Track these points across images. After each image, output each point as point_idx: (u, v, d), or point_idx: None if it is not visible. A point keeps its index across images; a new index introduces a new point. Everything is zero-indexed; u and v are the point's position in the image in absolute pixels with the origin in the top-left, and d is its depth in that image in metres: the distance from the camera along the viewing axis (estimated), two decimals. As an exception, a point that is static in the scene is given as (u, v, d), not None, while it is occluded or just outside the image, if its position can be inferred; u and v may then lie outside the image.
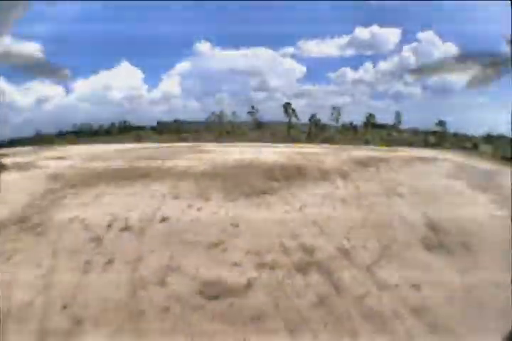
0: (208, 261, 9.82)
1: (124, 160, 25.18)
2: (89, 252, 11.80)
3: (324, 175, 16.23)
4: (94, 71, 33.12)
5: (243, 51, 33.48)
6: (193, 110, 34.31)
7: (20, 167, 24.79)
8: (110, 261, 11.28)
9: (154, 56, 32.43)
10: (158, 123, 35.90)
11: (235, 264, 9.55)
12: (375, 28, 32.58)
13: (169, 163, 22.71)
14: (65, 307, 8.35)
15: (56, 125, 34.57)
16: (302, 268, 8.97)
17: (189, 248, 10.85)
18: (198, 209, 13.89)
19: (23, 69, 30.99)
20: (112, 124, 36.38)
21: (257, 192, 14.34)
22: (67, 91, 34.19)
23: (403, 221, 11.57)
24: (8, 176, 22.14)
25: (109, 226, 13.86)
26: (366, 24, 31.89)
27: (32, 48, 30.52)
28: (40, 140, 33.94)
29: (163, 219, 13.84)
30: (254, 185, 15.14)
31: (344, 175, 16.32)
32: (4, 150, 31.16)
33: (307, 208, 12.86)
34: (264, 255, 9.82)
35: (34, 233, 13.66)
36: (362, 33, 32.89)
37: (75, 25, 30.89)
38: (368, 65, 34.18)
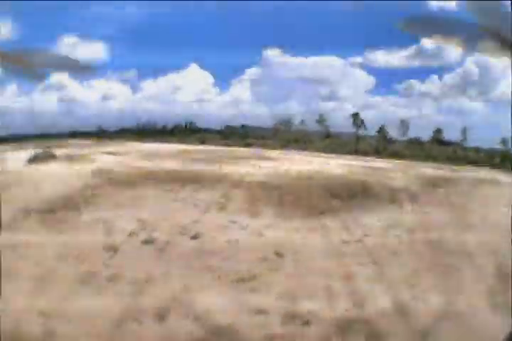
0: (226, 301, 9.06)
1: (180, 161, 26.98)
2: (95, 262, 11.92)
3: (391, 195, 17.35)
4: (163, 72, 38.67)
5: (312, 59, 38.17)
6: (262, 116, 38.98)
7: (70, 159, 27.90)
8: (114, 277, 11.05)
9: (224, 60, 36.51)
10: (225, 127, 40.56)
11: (260, 312, 8.80)
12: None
13: (226, 169, 23.94)
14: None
15: (120, 122, 40.24)
16: (344, 328, 8.32)
17: (211, 278, 10.37)
18: (241, 228, 13.88)
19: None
20: (178, 125, 41.56)
21: (315, 212, 14.95)
22: (134, 90, 40.21)
23: (472, 265, 11.45)
24: (54, 167, 25.35)
25: (132, 234, 14.07)
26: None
27: (98, 48, 37.07)
28: (102, 135, 39.30)
29: (196, 236, 13.41)
30: (312, 203, 15.78)
31: (412, 197, 17.33)
32: (62, 142, 36.29)
33: (368, 238, 13.09)
34: (301, 302, 9.17)
35: (50, 229, 14.80)
36: (427, 43, 37.29)
37: (144, 26, 37.20)
38: (434, 77, 39.27)
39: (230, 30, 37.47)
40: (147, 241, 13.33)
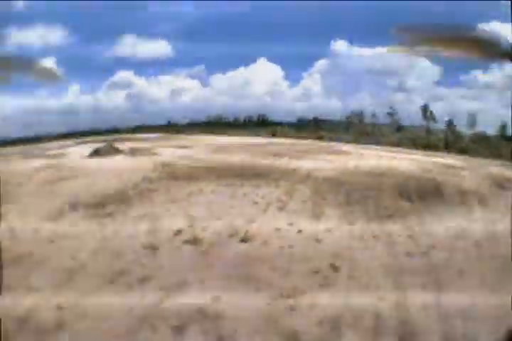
0: (258, 323, 8.48)
1: (248, 154, 28.12)
2: (131, 259, 12.13)
3: (462, 197, 17.81)
4: (232, 66, 41.43)
5: (379, 50, 40.39)
6: (333, 109, 41.81)
7: (134, 152, 30.63)
8: (144, 280, 10.95)
9: (292, 53, 38.88)
10: (298, 120, 42.79)
11: (294, 337, 7.94)
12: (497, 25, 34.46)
13: (295, 163, 24.69)
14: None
15: (190, 116, 43.77)
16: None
17: (248, 291, 9.81)
18: (299, 231, 13.59)
19: (155, 64, 41.42)
20: (249, 118, 44.33)
21: (382, 214, 15.24)
22: (204, 85, 43.24)
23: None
24: (114, 161, 27.58)
25: (177, 233, 14.04)
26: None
27: (160, 45, 40.49)
28: (172, 128, 43.07)
29: (246, 239, 12.88)
30: (380, 204, 16.32)
31: (482, 201, 17.65)
32: (130, 136, 40.43)
33: (434, 252, 12.68)
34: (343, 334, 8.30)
35: (94, 223, 15.42)
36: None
37: (206, 21, 39.70)
38: (497, 67, 39.62)
39: (296, 22, 39.20)
40: (191, 242, 13.09)
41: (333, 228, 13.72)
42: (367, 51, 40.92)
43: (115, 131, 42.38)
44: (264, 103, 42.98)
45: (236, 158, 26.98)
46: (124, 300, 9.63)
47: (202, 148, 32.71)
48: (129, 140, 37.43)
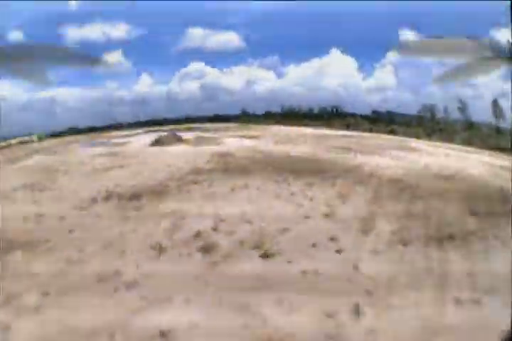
0: None
1: (314, 147, 26.12)
2: (127, 263, 9.89)
3: None
4: (305, 58, 41.74)
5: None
6: (406, 102, 41.66)
7: (198, 142, 29.70)
8: (127, 287, 9.00)
9: (362, 44, 39.91)
10: (372, 112, 42.19)
11: None
12: None
13: (360, 159, 22.23)
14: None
15: (265, 106, 43.85)
16: None
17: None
18: (337, 251, 10.48)
19: (227, 56, 44.03)
20: (323, 109, 43.33)
21: (443, 234, 11.68)
22: (278, 75, 43.64)
23: None
24: (174, 150, 26.57)
25: (196, 236, 11.68)
26: None
27: (230, 37, 41.67)
28: (246, 119, 42.68)
29: (268, 254, 10.02)
30: (443, 220, 12.90)
31: None
32: (202, 125, 40.82)
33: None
34: None
35: (118, 216, 13.21)
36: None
37: (276, 11, 39.36)
38: None
39: (363, 10, 38.87)
40: (205, 249, 10.71)
41: (381, 250, 10.46)
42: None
43: (189, 120, 42.62)
44: (339, 95, 42.63)
45: (299, 151, 24.85)
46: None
47: (269, 138, 31.01)
48: (199, 129, 37.30)
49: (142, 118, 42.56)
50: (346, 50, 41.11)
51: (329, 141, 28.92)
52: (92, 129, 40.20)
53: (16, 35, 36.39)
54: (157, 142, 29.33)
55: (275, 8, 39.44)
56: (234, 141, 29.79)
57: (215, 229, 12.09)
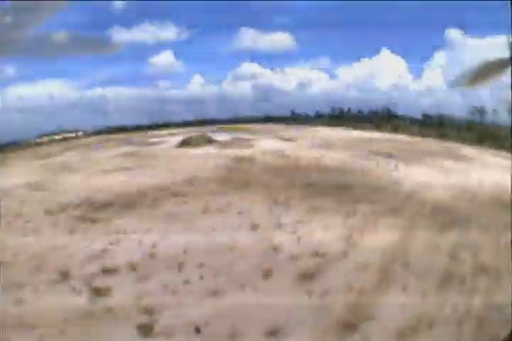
0: None
1: (353, 152, 22.75)
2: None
3: None
4: (357, 58, 41.91)
5: (492, 40, 35.98)
6: (456, 104, 39.51)
7: (228, 143, 27.87)
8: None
9: (410, 44, 41.99)
10: (422, 115, 40.00)
11: None
12: None
13: (400, 171, 18.29)
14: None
15: (317, 107, 42.03)
16: None
17: None
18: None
19: (279, 56, 43.19)
20: (374, 112, 40.80)
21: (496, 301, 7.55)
22: (331, 76, 43.10)
23: None
24: (197, 152, 24.86)
25: (182, 265, 9.20)
26: None
27: (281, 38, 40.96)
28: (294, 120, 40.95)
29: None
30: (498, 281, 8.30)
31: None
32: (244, 126, 38.93)
33: None
34: None
35: (96, 224, 12.33)
36: None
37: (326, 15, 40.87)
38: None
39: (409, 11, 39.82)
40: (140, 280, 8.61)
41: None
42: (481, 41, 38.39)
43: (239, 120, 41.65)
44: (390, 96, 41.51)
45: (332, 157, 21.67)
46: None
47: (306, 141, 27.99)
48: (242, 130, 35.55)
49: (193, 117, 42.26)
50: (395, 49, 40.61)
51: (372, 146, 25.36)
52: (139, 128, 40.26)
53: (61, 35, 37.22)
54: (185, 143, 27.92)
55: (323, 6, 40.35)
56: (267, 144, 27.32)
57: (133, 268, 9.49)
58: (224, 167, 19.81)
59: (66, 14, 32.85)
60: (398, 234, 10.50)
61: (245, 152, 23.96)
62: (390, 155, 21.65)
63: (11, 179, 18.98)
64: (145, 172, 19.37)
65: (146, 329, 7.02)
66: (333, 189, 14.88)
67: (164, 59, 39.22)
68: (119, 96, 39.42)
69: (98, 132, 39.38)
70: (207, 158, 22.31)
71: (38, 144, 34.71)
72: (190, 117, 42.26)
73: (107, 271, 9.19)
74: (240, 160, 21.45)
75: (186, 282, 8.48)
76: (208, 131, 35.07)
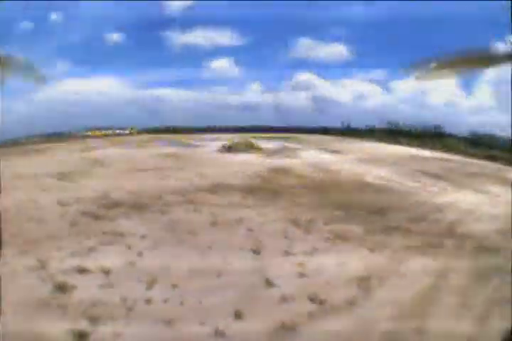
0: None
1: (399, 171, 20.70)
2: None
3: None
4: (408, 72, 38.80)
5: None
6: (506, 124, 31.43)
7: (272, 152, 26.87)
8: None
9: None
10: (470, 134, 37.32)
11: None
12: None
13: (445, 196, 15.79)
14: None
15: (371, 121, 40.50)
16: None
17: None
18: None
19: (335, 67, 40.05)
20: (425, 128, 38.99)
21: None
22: (385, 90, 40.99)
23: None
24: (234, 158, 24.07)
25: (155, 282, 8.07)
26: None
27: (337, 49, 39.03)
28: (347, 133, 39.76)
29: None
30: None
31: None
32: (294, 135, 38.12)
33: None
34: None
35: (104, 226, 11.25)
36: None
37: (380, 26, 36.63)
38: None
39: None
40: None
41: None
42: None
43: (293, 130, 41.09)
44: (441, 113, 39.17)
45: (376, 174, 19.64)
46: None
47: (354, 155, 26.19)
48: (292, 139, 34.94)
49: (248, 124, 41.83)
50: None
51: (420, 164, 23.34)
52: (191, 130, 40.73)
53: (115, 37, 37.86)
54: (227, 148, 27.14)
55: (379, 18, 36.11)
56: (312, 155, 25.82)
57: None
58: (256, 176, 18.46)
59: (121, 14, 33.03)
60: (426, 281, 8.16)
61: (286, 162, 22.63)
62: (436, 176, 19.56)
63: (44, 168, 19.24)
64: (173, 174, 18.61)
65: (80, 336, 6.42)
66: (367, 212, 12.83)
67: (221, 64, 38.93)
68: (174, 98, 39.72)
69: (149, 131, 40.15)
70: (243, 165, 21.20)
71: (85, 137, 35.83)
72: (244, 123, 41.67)
73: (81, 270, 8.53)
74: (276, 170, 20.05)
75: (147, 301, 7.24)
76: (257, 137, 34.23)
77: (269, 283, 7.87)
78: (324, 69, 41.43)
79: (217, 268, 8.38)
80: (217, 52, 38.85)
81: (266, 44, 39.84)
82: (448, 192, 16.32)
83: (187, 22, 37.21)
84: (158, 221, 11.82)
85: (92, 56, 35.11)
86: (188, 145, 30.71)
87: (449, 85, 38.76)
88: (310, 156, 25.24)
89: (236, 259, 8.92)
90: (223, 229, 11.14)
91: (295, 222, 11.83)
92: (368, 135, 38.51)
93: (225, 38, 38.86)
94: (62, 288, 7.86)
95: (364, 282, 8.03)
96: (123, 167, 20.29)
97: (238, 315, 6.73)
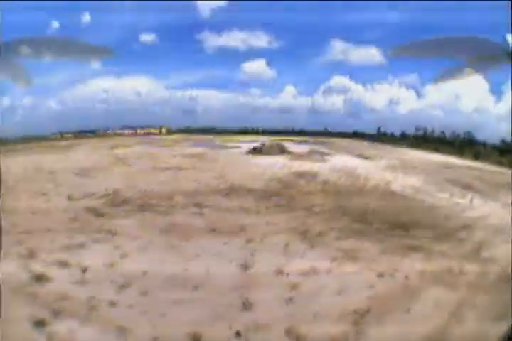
0: None
1: (429, 179, 19.01)
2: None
3: None
4: (442, 77, 37.11)
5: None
6: None
7: (298, 155, 25.94)
8: None
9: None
10: (501, 142, 35.08)
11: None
12: None
13: (474, 209, 13.99)
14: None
15: (403, 126, 39.83)
16: None
17: None
18: None
19: (369, 71, 40.02)
20: (456, 135, 37.81)
21: None
22: (418, 95, 40.20)
23: None
24: (261, 160, 23.48)
25: (125, 288, 7.57)
26: None
27: (372, 52, 38.08)
28: (379, 138, 38.68)
29: None
30: None
31: None
32: (326, 139, 37.03)
33: None
34: None
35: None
36: None
37: (414, 29, 34.60)
38: None
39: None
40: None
41: None
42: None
43: (327, 134, 40.31)
44: (473, 120, 38.08)
45: (405, 183, 17.97)
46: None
47: (384, 161, 24.67)
48: (325, 144, 34.06)
49: (282, 127, 41.43)
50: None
51: (450, 173, 21.34)
52: (225, 131, 40.78)
53: (149, 38, 38.11)
54: (256, 150, 26.44)
55: (414, 23, 34.59)
56: (342, 160, 24.57)
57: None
58: (277, 180, 17.52)
59: (156, 16, 33.59)
60: (436, 321, 6.56)
61: (313, 166, 21.55)
62: (466, 186, 17.80)
63: (67, 163, 19.69)
64: (192, 175, 18.26)
65: (38, 324, 6.28)
66: (388, 227, 11.39)
67: (256, 66, 38.74)
68: (208, 99, 39.97)
69: (182, 131, 40.51)
70: (267, 169, 20.40)
71: (117, 135, 36.71)
72: (278, 126, 41.32)
73: (63, 264, 8.43)
74: (300, 174, 19.05)
75: (111, 304, 6.76)
76: (289, 140, 33.72)
77: (246, 306, 6.84)
78: (358, 72, 40.69)
79: (196, 280, 7.60)
80: (252, 54, 38.69)
81: (300, 47, 39.38)
82: (477, 205, 14.63)
83: (222, 24, 37.30)
84: (156, 223, 11.30)
85: (126, 57, 35.91)
86: (217, 147, 30.47)
87: (478, 89, 37.27)
88: (340, 161, 24.00)
89: (220, 273, 7.98)
90: (219, 237, 10.24)
91: (303, 235, 10.59)
92: (400, 140, 37.52)
93: (259, 40, 38.73)
94: (39, 278, 7.74)
95: (361, 317, 6.63)
96: (143, 166, 20.25)
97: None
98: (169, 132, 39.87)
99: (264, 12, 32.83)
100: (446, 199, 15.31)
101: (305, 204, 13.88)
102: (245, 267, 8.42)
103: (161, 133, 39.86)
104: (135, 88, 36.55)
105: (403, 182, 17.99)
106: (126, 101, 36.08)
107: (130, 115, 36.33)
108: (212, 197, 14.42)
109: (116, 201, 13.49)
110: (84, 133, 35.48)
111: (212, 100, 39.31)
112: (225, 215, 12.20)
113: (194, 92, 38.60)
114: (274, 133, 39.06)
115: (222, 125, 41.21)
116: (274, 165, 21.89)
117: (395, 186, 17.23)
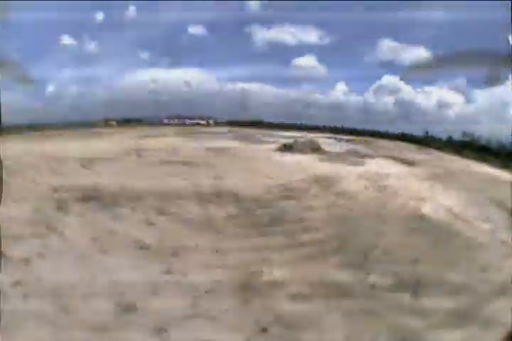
0: None
1: (473, 199, 15.81)
2: None
3: None
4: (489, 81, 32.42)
5: None
6: None
7: (332, 156, 24.06)
8: None
9: None
10: None
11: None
12: None
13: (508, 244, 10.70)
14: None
15: (450, 131, 37.35)
16: None
17: None
18: None
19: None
20: (502, 144, 33.69)
21: None
22: (467, 100, 39.27)
23: None
24: (286, 158, 22.07)
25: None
26: None
27: (419, 52, 37.79)
28: (426, 141, 36.53)
29: None
30: None
31: None
32: (371, 139, 35.14)
33: None
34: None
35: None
36: None
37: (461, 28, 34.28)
38: None
39: None
40: None
41: None
42: None
43: (373, 133, 39.12)
44: None
45: (441, 203, 15.01)
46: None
47: (425, 170, 21.58)
48: (364, 143, 32.18)
49: (330, 124, 39.83)
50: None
51: (495, 191, 17.05)
52: (271, 125, 39.69)
53: (197, 30, 37.60)
54: (286, 147, 24.97)
55: (460, 23, 32.99)
56: (377, 164, 22.01)
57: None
58: (284, 188, 15.75)
59: (206, 8, 33.28)
60: None
61: (341, 170, 19.32)
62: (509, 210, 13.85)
63: (80, 152, 19.66)
64: (200, 172, 17.35)
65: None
66: (395, 284, 8.64)
67: (306, 62, 37.82)
68: (259, 93, 39.22)
69: (229, 123, 39.85)
70: (285, 170, 18.55)
71: (161, 125, 37.05)
72: (327, 123, 39.86)
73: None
74: (320, 180, 16.81)
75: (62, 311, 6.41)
76: (331, 138, 32.84)
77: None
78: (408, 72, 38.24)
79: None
80: (303, 49, 37.56)
81: (351, 44, 37.61)
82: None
83: (272, 18, 36.56)
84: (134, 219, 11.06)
85: (176, 48, 36.10)
86: (253, 141, 29.31)
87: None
88: (374, 166, 21.40)
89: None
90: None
91: (251, 281, 8.37)
92: (447, 146, 34.94)
93: (310, 35, 37.63)
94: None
95: None
96: (156, 158, 19.66)
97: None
98: (216, 124, 39.70)
99: (316, 8, 32.23)
100: (487, 231, 12.19)
101: (291, 227, 11.76)
102: (159, 331, 6.67)
103: (208, 124, 39.78)
104: (185, 79, 36.80)
105: (439, 202, 15.06)
106: (176, 92, 36.46)
107: (179, 106, 36.76)
108: (183, 202, 13.37)
109: (96, 195, 13.08)
110: (128, 122, 36.25)
111: (262, 94, 38.69)
112: (174, 230, 11.06)
113: (245, 85, 38.29)
114: (322, 130, 37.65)
115: (271, 119, 40.38)
116: (296, 165, 20.06)
117: (428, 208, 14.28)
